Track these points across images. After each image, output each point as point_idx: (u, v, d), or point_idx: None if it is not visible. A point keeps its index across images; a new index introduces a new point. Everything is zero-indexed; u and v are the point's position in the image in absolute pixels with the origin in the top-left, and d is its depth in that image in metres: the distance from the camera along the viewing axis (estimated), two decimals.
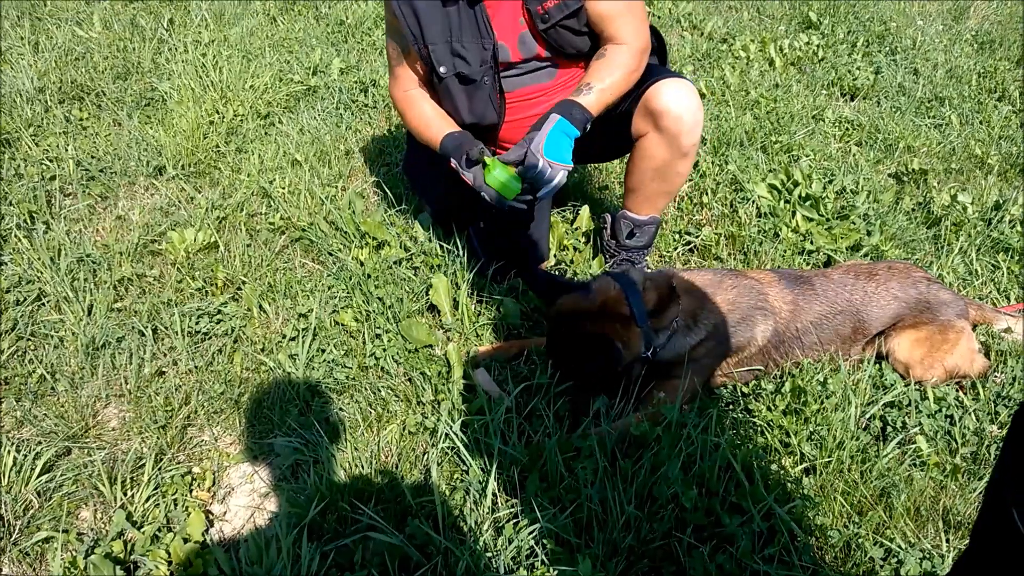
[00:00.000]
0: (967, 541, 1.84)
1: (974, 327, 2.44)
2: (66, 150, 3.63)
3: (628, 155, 2.66)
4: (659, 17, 5.44)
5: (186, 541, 1.91)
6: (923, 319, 2.32)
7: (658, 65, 2.64)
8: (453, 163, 2.41)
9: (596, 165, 3.47)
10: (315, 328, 2.53)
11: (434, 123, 2.54)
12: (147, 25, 5.02)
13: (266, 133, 3.88)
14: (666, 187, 2.63)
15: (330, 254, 2.96)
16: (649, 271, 2.39)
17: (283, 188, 3.33)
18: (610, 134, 2.60)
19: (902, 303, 2.33)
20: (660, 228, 2.87)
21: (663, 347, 2.18)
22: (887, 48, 4.95)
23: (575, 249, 2.97)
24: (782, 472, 2.02)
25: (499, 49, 2.40)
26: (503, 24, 2.38)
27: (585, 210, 3.10)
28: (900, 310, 2.32)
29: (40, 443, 2.18)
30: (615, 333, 2.12)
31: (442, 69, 2.42)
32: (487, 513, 1.90)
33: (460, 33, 2.37)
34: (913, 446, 2.10)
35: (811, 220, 3.05)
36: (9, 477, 2.06)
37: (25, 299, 2.70)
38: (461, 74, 2.43)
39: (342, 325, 2.58)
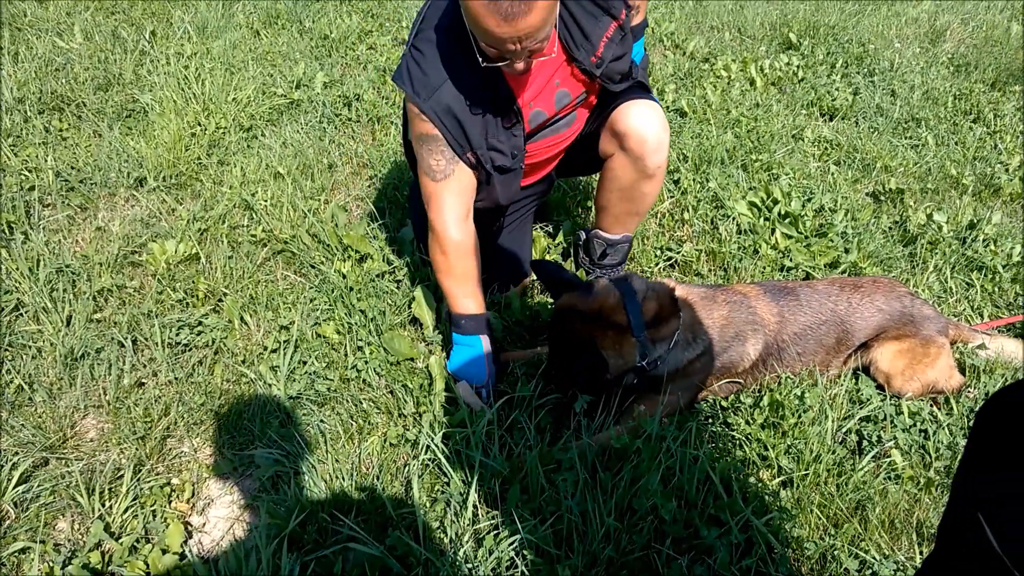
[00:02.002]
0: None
1: (951, 345, 2.48)
2: (45, 161, 3.61)
3: (598, 174, 2.68)
4: None
5: (165, 552, 1.90)
6: (906, 332, 2.36)
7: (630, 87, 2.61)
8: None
9: (573, 182, 3.50)
10: (297, 340, 2.53)
11: (465, 290, 2.38)
12: (129, 37, 5.00)
13: (249, 146, 3.88)
14: (634, 208, 2.66)
15: (312, 267, 2.96)
16: (650, 280, 2.41)
17: (265, 201, 3.33)
18: (581, 151, 2.62)
19: (886, 315, 2.37)
20: (632, 246, 2.90)
21: (664, 360, 2.20)
22: (865, 70, 5.04)
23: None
24: (760, 485, 2.04)
25: (535, 116, 2.33)
26: (537, 90, 2.30)
27: (566, 225, 3.13)
28: (884, 322, 2.36)
29: (17, 453, 2.16)
30: (606, 341, 2.12)
31: (488, 167, 2.33)
32: (468, 524, 1.91)
33: (496, 129, 2.28)
34: (888, 460, 2.13)
35: (790, 237, 3.09)
36: None
37: (3, 309, 2.68)
38: (501, 167, 2.34)
39: (324, 337, 2.58)
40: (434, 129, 2.22)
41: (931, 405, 2.31)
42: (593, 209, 2.83)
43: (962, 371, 2.44)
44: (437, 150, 2.26)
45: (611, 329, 2.14)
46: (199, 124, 3.95)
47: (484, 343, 2.33)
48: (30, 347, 2.54)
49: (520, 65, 2.02)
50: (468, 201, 2.36)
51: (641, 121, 2.41)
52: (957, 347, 2.52)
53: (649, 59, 2.80)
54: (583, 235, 2.87)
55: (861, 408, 2.28)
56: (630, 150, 2.45)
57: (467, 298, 2.36)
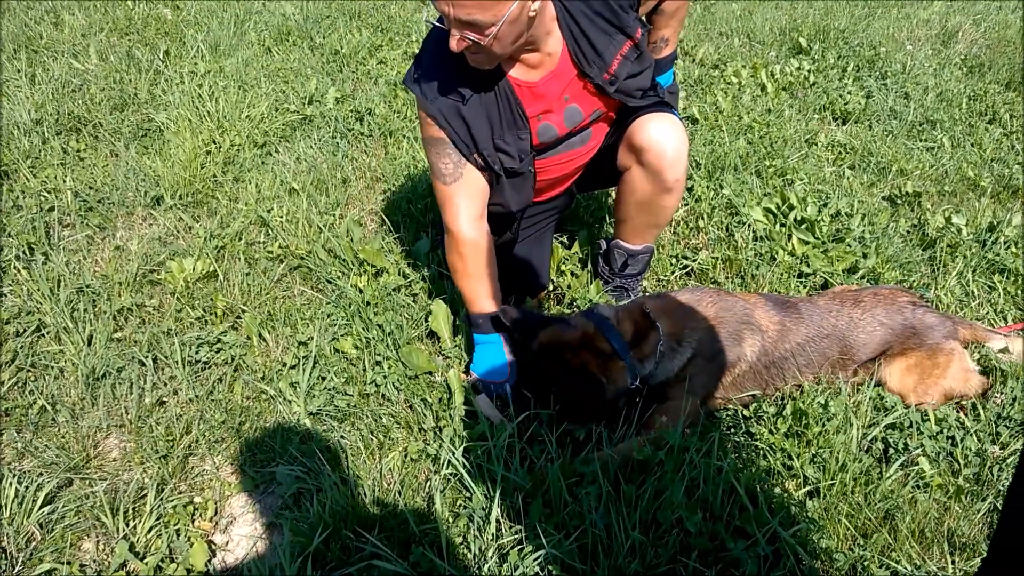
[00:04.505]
0: (979, 557, 1.84)
1: (966, 346, 2.45)
2: (64, 181, 3.64)
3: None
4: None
5: (189, 572, 1.90)
6: (910, 344, 2.34)
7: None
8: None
9: (589, 192, 3.50)
10: (315, 356, 2.53)
11: (482, 290, 2.40)
12: (143, 57, 5.05)
13: (263, 162, 3.90)
14: (653, 220, 2.64)
15: (329, 282, 2.96)
16: (619, 304, 2.41)
17: (281, 217, 3.34)
18: (600, 164, 2.61)
19: (888, 329, 2.35)
20: (654, 255, 2.89)
21: (653, 375, 2.21)
22: (877, 72, 5.01)
23: (572, 275, 2.98)
24: (785, 495, 2.02)
25: (544, 129, 2.35)
26: (548, 103, 2.31)
27: (582, 235, 3.12)
28: (888, 336, 2.35)
29: (41, 474, 2.17)
30: (598, 368, 2.15)
31: (496, 168, 2.35)
32: (491, 540, 1.90)
33: (502, 130, 2.29)
34: (916, 468, 2.10)
35: (807, 243, 3.07)
36: (11, 509, 2.04)
37: (25, 330, 2.70)
38: (509, 169, 2.37)
39: (342, 353, 2.58)
40: (440, 132, 2.26)
41: (958, 411, 2.29)
42: (612, 220, 2.82)
43: (988, 376, 2.40)
44: (444, 153, 2.30)
45: (598, 356, 2.17)
46: (214, 142, 3.98)
47: (503, 339, 2.36)
48: (52, 367, 2.56)
49: (453, 43, 1.99)
50: (481, 202, 2.40)
51: (659, 135, 2.39)
52: (977, 349, 2.49)
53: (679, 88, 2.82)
54: (603, 245, 2.86)
55: (886, 416, 2.25)
56: (648, 164, 2.44)
57: (484, 298, 2.39)
